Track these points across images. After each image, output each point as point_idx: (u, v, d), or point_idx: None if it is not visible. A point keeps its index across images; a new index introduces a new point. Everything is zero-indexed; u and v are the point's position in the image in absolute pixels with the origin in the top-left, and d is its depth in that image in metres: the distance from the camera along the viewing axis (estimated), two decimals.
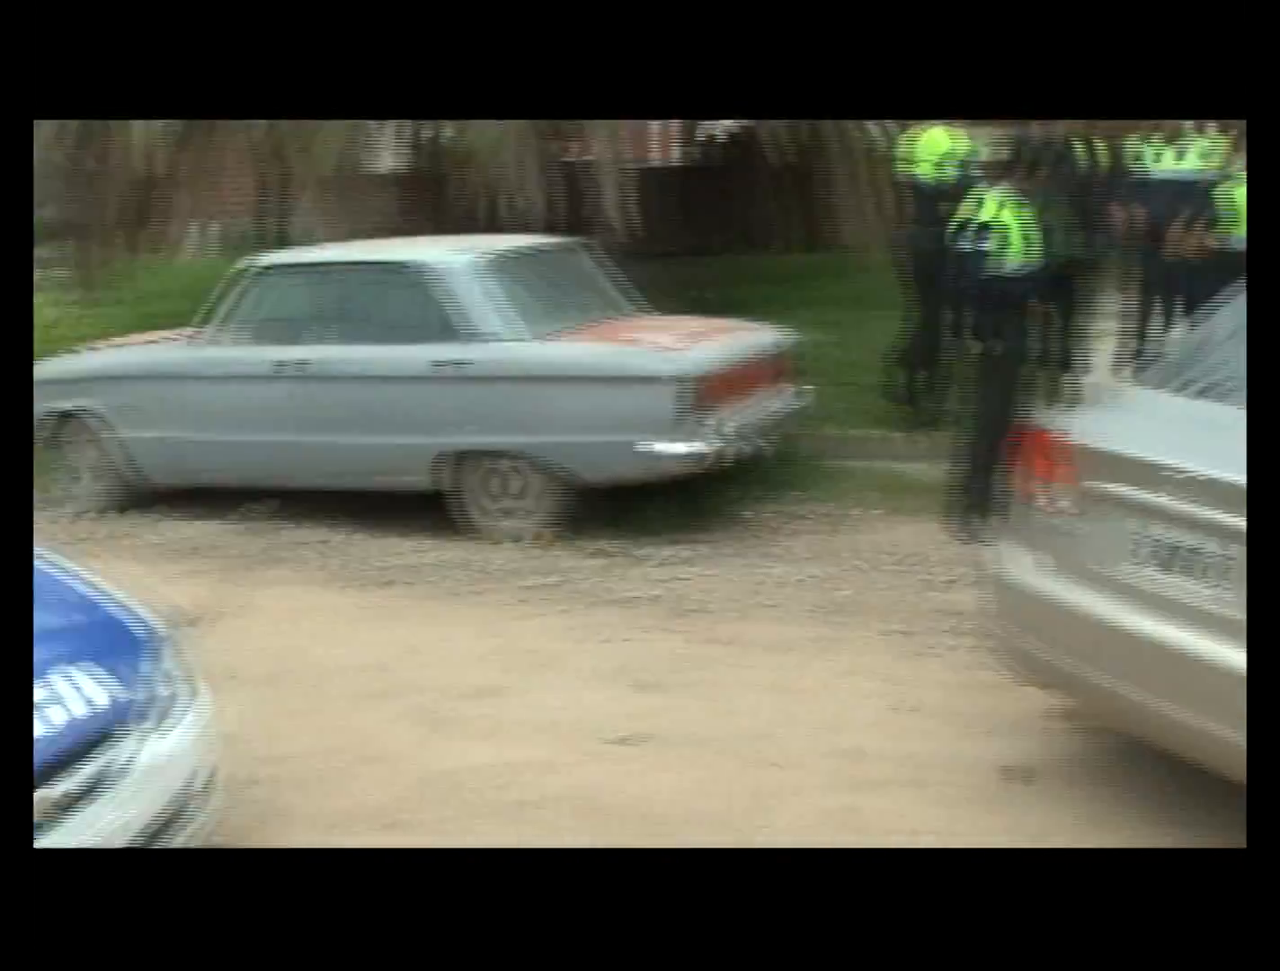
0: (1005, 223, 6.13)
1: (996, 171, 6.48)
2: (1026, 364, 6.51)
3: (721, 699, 4.86)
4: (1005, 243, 6.11)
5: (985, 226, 6.13)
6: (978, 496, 6.25)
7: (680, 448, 6.44)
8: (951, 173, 7.66)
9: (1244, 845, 2.73)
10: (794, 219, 11.26)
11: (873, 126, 10.92)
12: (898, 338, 8.09)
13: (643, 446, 6.43)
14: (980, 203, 6.25)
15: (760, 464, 7.07)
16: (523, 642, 5.49)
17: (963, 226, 6.25)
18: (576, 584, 6.11)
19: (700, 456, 6.47)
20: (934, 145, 7.87)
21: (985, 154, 7.63)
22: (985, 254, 6.10)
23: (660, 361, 6.62)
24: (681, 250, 11.72)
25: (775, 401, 7.19)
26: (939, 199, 7.31)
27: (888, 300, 8.44)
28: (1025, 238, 6.19)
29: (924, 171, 7.85)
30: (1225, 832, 3.81)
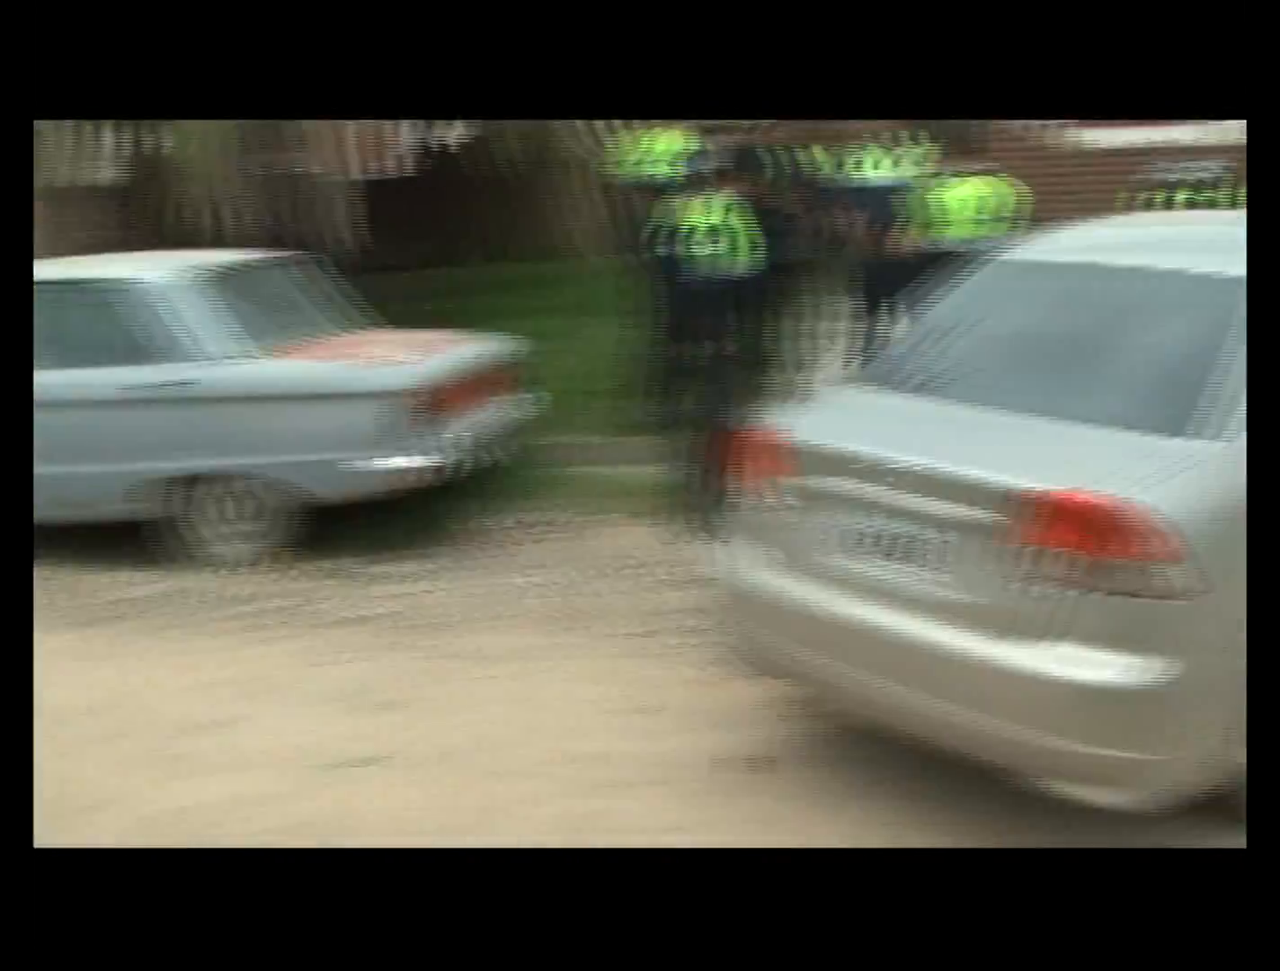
0: (730, 227, 6.29)
1: (720, 178, 6.65)
2: (752, 365, 6.69)
3: (462, 713, 4.83)
4: (728, 247, 6.27)
5: (710, 230, 6.28)
6: (706, 496, 6.41)
7: (410, 462, 6.38)
8: (681, 171, 7.84)
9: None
10: (522, 228, 11.30)
11: (593, 132, 11.08)
12: (637, 343, 8.18)
13: (372, 462, 6.35)
14: (705, 208, 6.40)
15: (494, 475, 7.06)
16: (259, 669, 5.33)
17: (687, 232, 6.39)
18: (313, 605, 5.97)
19: (431, 470, 6.43)
20: (668, 144, 8.07)
21: (712, 157, 7.86)
22: (708, 257, 6.25)
23: (387, 376, 6.54)
24: (412, 262, 11.62)
25: (507, 411, 7.20)
26: (670, 196, 7.47)
27: (612, 306, 8.54)
28: (748, 242, 6.36)
29: (657, 171, 8.02)
30: (945, 804, 4.03)
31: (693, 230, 6.35)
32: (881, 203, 7.19)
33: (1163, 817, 3.62)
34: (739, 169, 6.57)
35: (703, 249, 6.26)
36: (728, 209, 6.32)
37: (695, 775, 4.31)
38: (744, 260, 6.33)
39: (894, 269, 6.72)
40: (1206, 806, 3.76)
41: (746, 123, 7.75)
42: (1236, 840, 3.59)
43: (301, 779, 4.41)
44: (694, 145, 7.92)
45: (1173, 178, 7.13)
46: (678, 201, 6.84)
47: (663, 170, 8.04)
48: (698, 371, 6.61)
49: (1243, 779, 3.63)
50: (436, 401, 6.49)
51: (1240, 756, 3.60)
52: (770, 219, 7.19)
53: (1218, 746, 3.55)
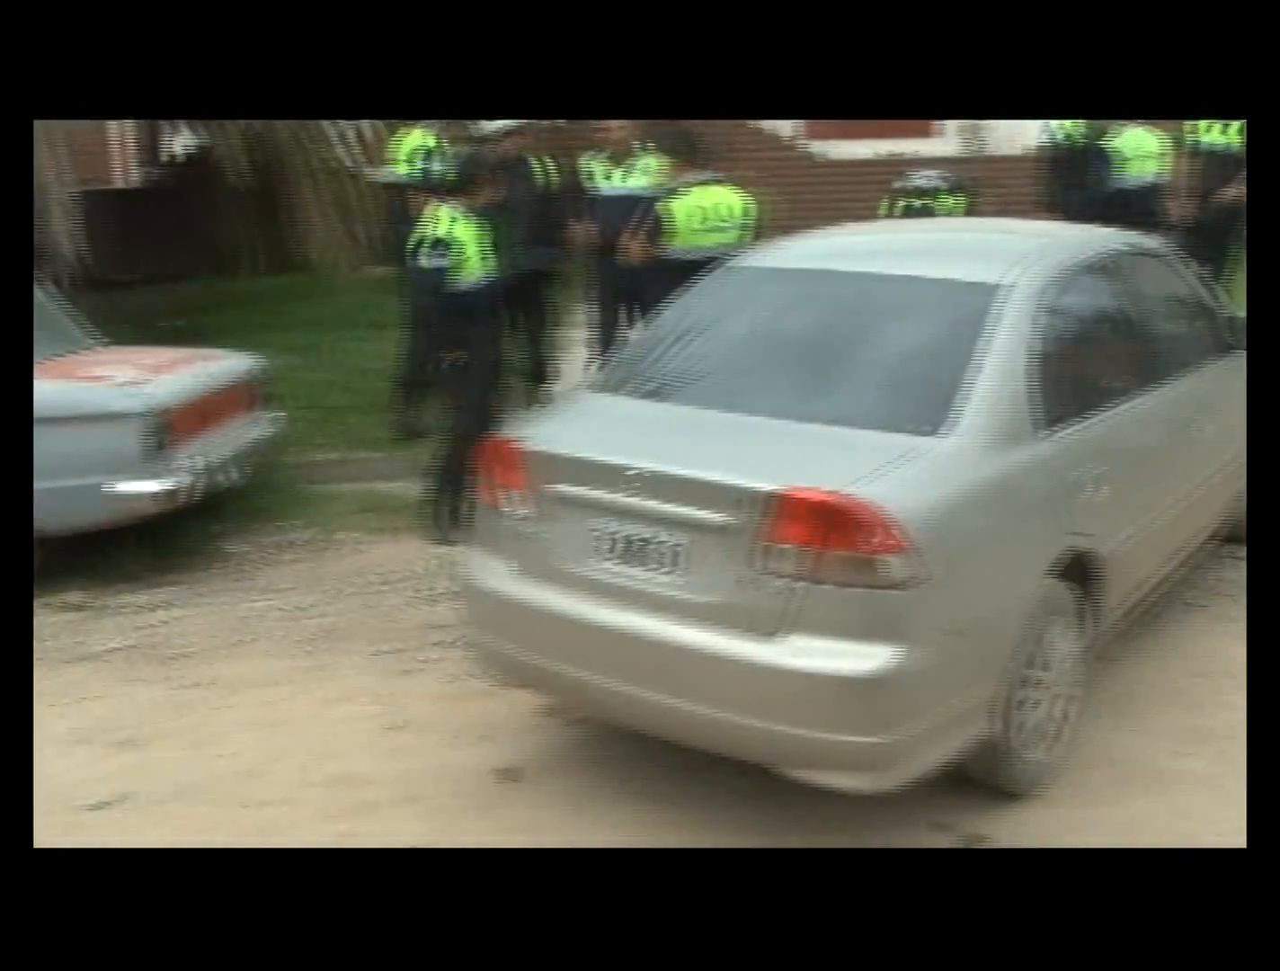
0: (459, 238, 6.25)
1: (452, 186, 6.62)
2: (497, 374, 6.68)
3: (207, 743, 4.67)
4: (460, 258, 6.24)
5: (438, 242, 6.24)
6: (454, 508, 6.43)
7: (150, 486, 6.13)
8: (418, 170, 7.84)
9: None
10: (261, 240, 11.00)
11: (337, 141, 10.91)
12: (384, 356, 8.08)
13: (110, 488, 6.07)
14: (435, 219, 6.35)
15: (237, 495, 6.86)
16: None
17: (419, 243, 6.33)
18: (45, 643, 5.67)
19: (172, 493, 6.18)
20: (410, 141, 8.05)
21: (449, 161, 7.88)
22: (443, 269, 6.21)
23: (121, 397, 6.26)
24: (143, 277, 11.19)
25: (249, 430, 7.00)
26: (410, 200, 7.45)
27: (360, 319, 8.42)
28: (480, 252, 6.34)
29: (400, 169, 7.97)
30: (701, 804, 4.10)
31: (421, 241, 6.31)
32: (620, 211, 7.27)
33: (905, 796, 3.77)
34: (470, 176, 6.53)
35: (432, 260, 6.23)
36: (453, 219, 6.30)
37: (447, 791, 4.28)
38: (476, 271, 6.32)
39: (636, 276, 6.80)
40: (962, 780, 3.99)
41: (491, 128, 7.77)
42: (985, 818, 3.80)
43: (36, 828, 4.17)
44: (432, 142, 7.93)
45: (911, 186, 7.43)
46: (414, 211, 6.78)
47: (403, 170, 8.01)
48: (439, 384, 6.57)
49: (982, 747, 3.84)
50: (176, 422, 6.25)
51: (972, 729, 3.80)
52: (507, 227, 7.21)
53: (947, 724, 3.71)
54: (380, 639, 5.48)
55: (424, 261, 6.26)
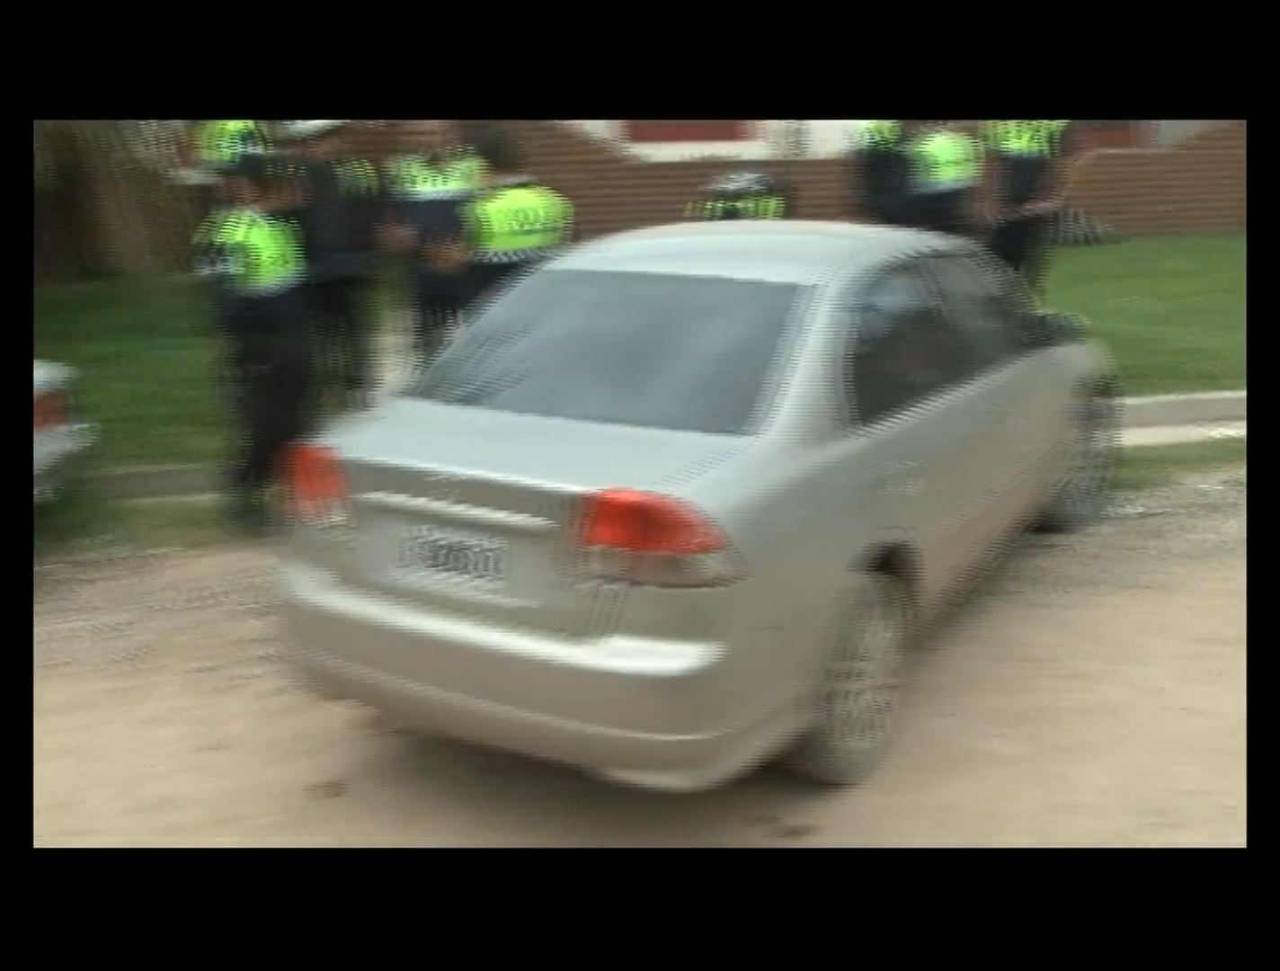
0: (251, 243, 6.13)
1: (245, 193, 6.49)
2: (306, 382, 6.56)
3: None
4: (253, 263, 6.13)
5: (222, 247, 6.11)
6: (261, 518, 6.35)
7: None
8: (241, 154, 7.68)
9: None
10: (65, 245, 10.60)
11: (150, 141, 10.60)
12: (193, 365, 7.86)
13: None
14: (224, 223, 6.23)
15: (49, 512, 6.58)
16: None
17: (205, 250, 6.20)
18: None
19: None
20: (223, 128, 7.92)
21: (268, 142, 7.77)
22: (231, 277, 6.08)
23: None
24: None
25: (56, 444, 6.72)
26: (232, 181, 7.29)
27: (171, 327, 8.17)
28: (278, 257, 6.22)
29: (216, 156, 7.79)
30: (527, 808, 4.08)
31: (221, 248, 6.17)
32: (436, 215, 7.20)
33: (727, 791, 3.80)
34: (266, 179, 6.38)
35: (216, 267, 6.11)
36: (245, 224, 6.18)
37: (266, 809, 4.18)
38: (273, 276, 6.20)
39: (451, 280, 6.74)
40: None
41: (304, 130, 7.61)
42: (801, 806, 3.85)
43: None
44: (250, 127, 7.79)
45: (726, 188, 7.50)
46: (216, 217, 6.60)
47: (224, 155, 7.84)
48: (250, 392, 6.43)
49: (801, 739, 3.89)
50: None
51: (791, 723, 3.85)
52: (311, 231, 7.11)
53: (765, 718, 3.75)
54: (197, 656, 5.32)
55: (210, 268, 6.14)
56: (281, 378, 6.28)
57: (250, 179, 6.43)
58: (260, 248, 6.14)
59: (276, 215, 6.30)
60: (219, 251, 6.13)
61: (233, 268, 6.07)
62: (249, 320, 6.15)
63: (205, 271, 6.27)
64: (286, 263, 6.28)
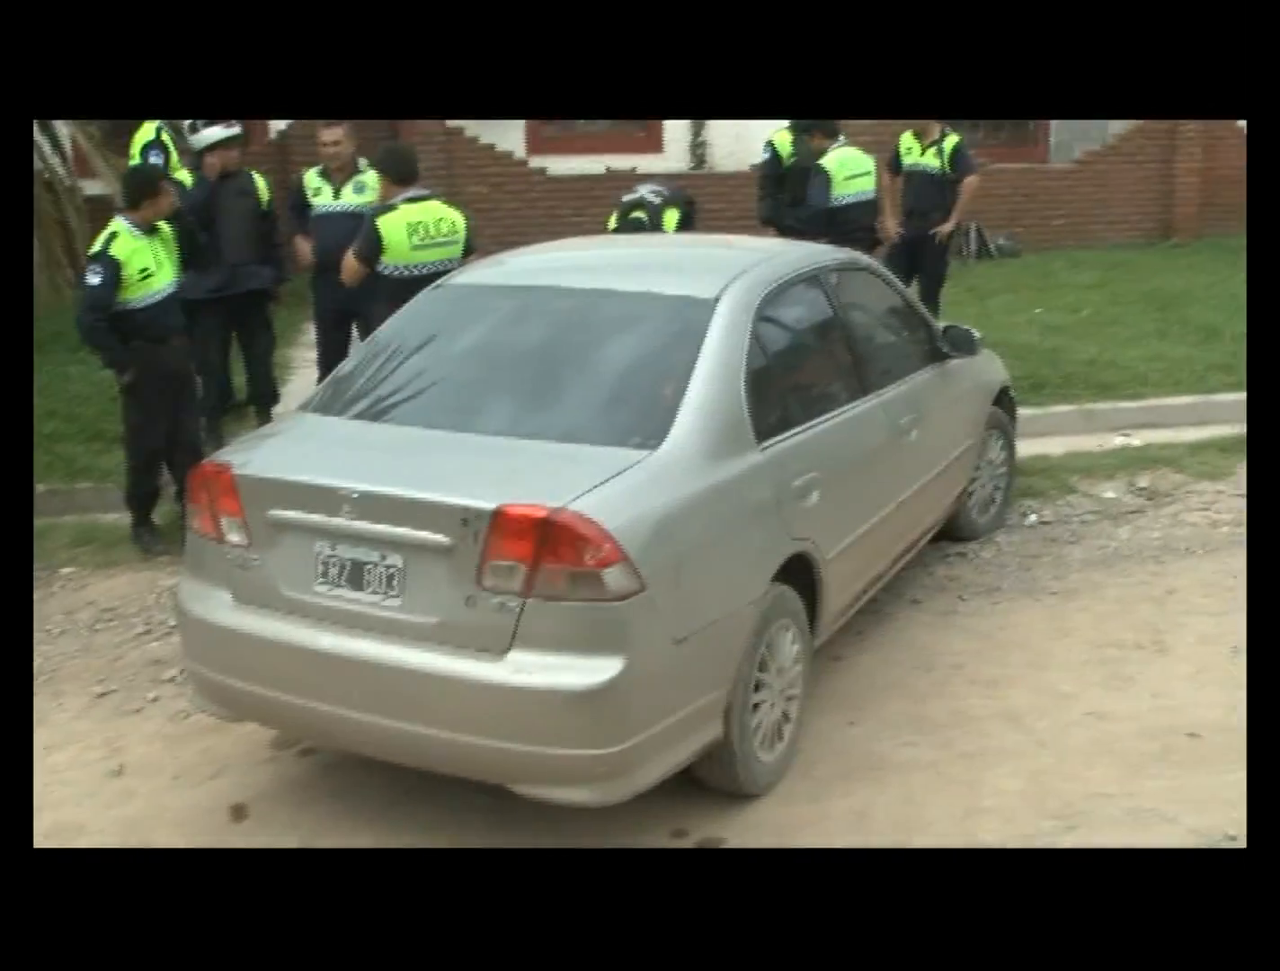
0: (117, 256, 6.07)
1: (119, 204, 6.46)
2: (186, 392, 6.50)
3: None
4: (127, 275, 6.08)
5: (95, 258, 6.07)
6: (159, 537, 6.39)
7: None
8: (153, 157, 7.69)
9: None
10: None
11: (55, 156, 10.40)
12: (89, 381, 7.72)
13: None
14: (97, 238, 6.20)
15: None
16: None
17: (88, 260, 6.17)
18: None
19: None
20: (141, 135, 7.87)
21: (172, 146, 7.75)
22: (103, 287, 6.03)
23: None
24: None
25: None
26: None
27: (70, 342, 8.01)
28: (152, 267, 6.17)
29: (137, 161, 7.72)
30: (440, 826, 4.06)
31: (93, 259, 6.12)
32: (337, 228, 7.14)
33: (639, 804, 3.80)
34: (137, 190, 6.29)
35: (89, 277, 6.08)
36: (116, 235, 6.12)
37: (172, 834, 4.10)
38: (149, 287, 6.16)
39: (355, 294, 6.68)
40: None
41: (198, 141, 7.52)
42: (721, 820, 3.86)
43: None
44: (152, 134, 7.71)
45: (633, 200, 7.51)
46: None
47: (140, 156, 7.80)
48: (123, 407, 6.42)
49: (712, 751, 3.90)
50: None
51: (703, 735, 3.86)
52: (213, 244, 7.05)
53: (676, 732, 3.76)
54: (101, 679, 5.21)
55: (85, 278, 6.12)
56: (152, 392, 6.24)
57: (125, 190, 6.39)
58: (126, 260, 6.08)
59: (150, 227, 6.23)
60: (89, 263, 6.10)
61: (96, 279, 6.02)
62: (112, 333, 6.12)
63: (78, 285, 6.24)
64: (161, 274, 6.23)
